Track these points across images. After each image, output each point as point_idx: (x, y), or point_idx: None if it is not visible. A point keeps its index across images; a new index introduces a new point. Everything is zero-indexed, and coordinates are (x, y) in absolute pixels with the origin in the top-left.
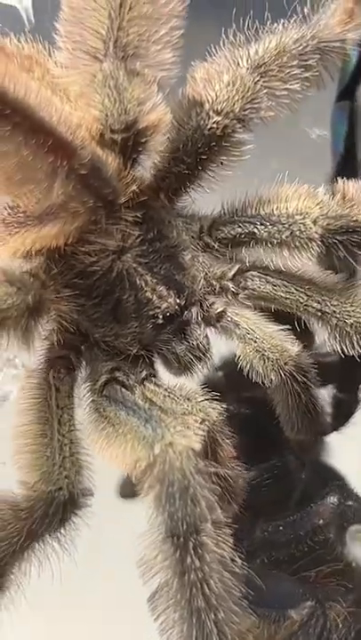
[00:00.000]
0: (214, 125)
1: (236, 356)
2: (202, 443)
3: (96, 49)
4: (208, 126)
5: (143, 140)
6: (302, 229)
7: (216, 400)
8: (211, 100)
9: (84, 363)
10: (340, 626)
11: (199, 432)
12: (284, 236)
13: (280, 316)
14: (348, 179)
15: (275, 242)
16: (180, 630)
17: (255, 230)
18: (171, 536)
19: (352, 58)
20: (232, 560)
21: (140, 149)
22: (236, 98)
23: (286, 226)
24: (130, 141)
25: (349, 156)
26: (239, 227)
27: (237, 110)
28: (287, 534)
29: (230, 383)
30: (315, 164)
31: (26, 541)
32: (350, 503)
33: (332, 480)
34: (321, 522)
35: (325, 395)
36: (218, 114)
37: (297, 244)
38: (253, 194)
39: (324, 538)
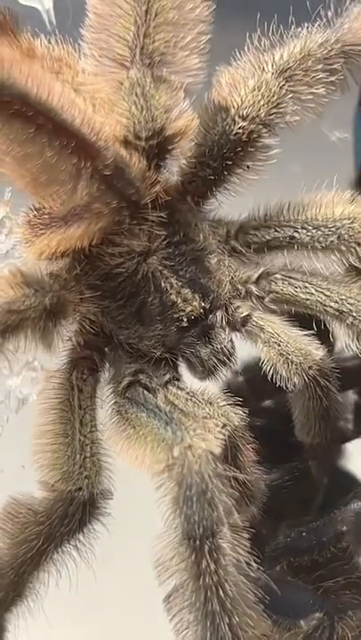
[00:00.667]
0: (240, 131)
1: (257, 359)
2: (222, 447)
3: (122, 56)
4: (234, 131)
5: (170, 147)
6: (351, 233)
7: (238, 405)
8: (236, 106)
9: (107, 364)
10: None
11: (219, 436)
12: (329, 241)
13: (305, 319)
14: None
15: (318, 246)
16: (194, 632)
17: (295, 234)
18: (187, 538)
19: None
20: (248, 564)
21: (167, 156)
22: (262, 103)
23: (333, 230)
24: (156, 148)
25: None
26: (276, 231)
27: (263, 115)
28: (310, 540)
29: (252, 387)
30: (335, 166)
31: (44, 545)
32: None
33: (355, 486)
34: (344, 528)
35: (345, 400)
36: (243, 119)
37: (342, 247)
38: (285, 199)
39: (347, 545)
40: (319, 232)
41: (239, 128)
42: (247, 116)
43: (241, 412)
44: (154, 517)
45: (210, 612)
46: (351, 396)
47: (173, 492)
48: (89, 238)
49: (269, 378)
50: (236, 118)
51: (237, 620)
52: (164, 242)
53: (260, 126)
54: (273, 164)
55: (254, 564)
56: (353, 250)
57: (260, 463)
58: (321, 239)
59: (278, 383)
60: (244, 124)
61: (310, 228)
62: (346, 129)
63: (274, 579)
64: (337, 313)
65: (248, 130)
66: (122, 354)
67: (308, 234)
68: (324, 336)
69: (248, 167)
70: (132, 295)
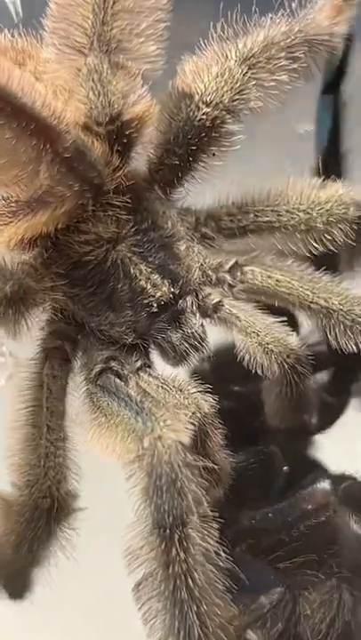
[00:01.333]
0: (204, 117)
1: (224, 344)
2: (191, 436)
3: (81, 43)
4: (198, 117)
5: (128, 132)
6: (340, 214)
7: (208, 392)
8: (200, 92)
9: (79, 353)
10: (310, 614)
11: (189, 426)
12: (319, 222)
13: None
14: (331, 172)
15: (303, 228)
16: (162, 620)
17: (278, 218)
18: (157, 528)
19: (338, 53)
20: (217, 553)
21: (126, 140)
22: (225, 89)
23: (322, 212)
24: (115, 133)
25: (333, 150)
26: (256, 216)
27: (226, 101)
28: (276, 521)
29: (218, 371)
30: (302, 158)
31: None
32: (344, 485)
33: (318, 469)
34: (310, 507)
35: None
36: (207, 105)
37: (332, 230)
38: (257, 188)
39: (316, 522)
40: (307, 215)
41: (203, 114)
42: (211, 102)
43: (211, 399)
44: (124, 508)
45: (178, 601)
46: (317, 380)
47: (144, 482)
48: (54, 223)
49: (237, 363)
50: (200, 104)
51: (205, 608)
52: (132, 229)
53: (224, 112)
54: (241, 156)
55: (223, 554)
56: (340, 230)
57: (226, 446)
58: (310, 222)
59: (247, 368)
60: (208, 110)
61: (296, 211)
62: (313, 122)
63: (237, 560)
64: (325, 311)
65: (212, 116)
66: (94, 341)
67: (293, 216)
68: (291, 322)
69: (214, 154)
70: (101, 282)
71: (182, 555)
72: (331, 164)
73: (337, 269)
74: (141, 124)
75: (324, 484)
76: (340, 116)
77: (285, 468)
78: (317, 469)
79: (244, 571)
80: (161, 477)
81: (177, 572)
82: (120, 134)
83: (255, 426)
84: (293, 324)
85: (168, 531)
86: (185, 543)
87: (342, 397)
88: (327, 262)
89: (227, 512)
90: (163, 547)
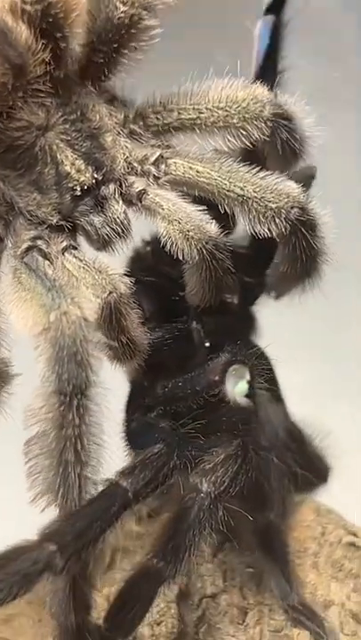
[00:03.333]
0: (122, 14)
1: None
2: (96, 314)
3: None
4: (117, 16)
5: (54, 12)
6: (255, 112)
7: (126, 275)
8: None
9: (10, 233)
10: (212, 468)
11: (94, 304)
12: (236, 119)
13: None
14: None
15: (222, 125)
16: (45, 477)
17: (199, 115)
18: (58, 393)
19: None
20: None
21: (52, 20)
22: None
23: (239, 109)
24: (42, 13)
25: (270, 65)
26: (179, 113)
27: None
28: (185, 389)
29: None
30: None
31: None
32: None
33: (234, 344)
34: (216, 378)
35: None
36: (124, 4)
37: (248, 126)
38: (186, 87)
39: (219, 391)
40: (224, 112)
41: (121, 12)
42: (127, 1)
43: (128, 281)
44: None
45: (64, 461)
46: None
47: (48, 352)
48: None
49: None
50: (117, 3)
51: (88, 471)
52: (62, 118)
53: (140, 9)
54: (200, 55)
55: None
56: (256, 127)
57: (146, 322)
58: (228, 119)
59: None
60: (126, 8)
61: (215, 109)
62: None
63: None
64: (240, 199)
65: (130, 13)
66: (23, 222)
67: (213, 114)
68: (225, 218)
69: (135, 48)
70: (30, 166)
71: (77, 420)
72: (266, 80)
73: (263, 166)
74: (67, 7)
75: (226, 357)
76: (280, 36)
77: (207, 343)
78: (234, 343)
79: (146, 432)
80: (63, 349)
81: (69, 434)
82: (46, 14)
83: (175, 302)
84: (232, 222)
85: (68, 397)
86: (81, 410)
87: (261, 278)
88: (253, 159)
89: (145, 381)
90: (60, 410)
